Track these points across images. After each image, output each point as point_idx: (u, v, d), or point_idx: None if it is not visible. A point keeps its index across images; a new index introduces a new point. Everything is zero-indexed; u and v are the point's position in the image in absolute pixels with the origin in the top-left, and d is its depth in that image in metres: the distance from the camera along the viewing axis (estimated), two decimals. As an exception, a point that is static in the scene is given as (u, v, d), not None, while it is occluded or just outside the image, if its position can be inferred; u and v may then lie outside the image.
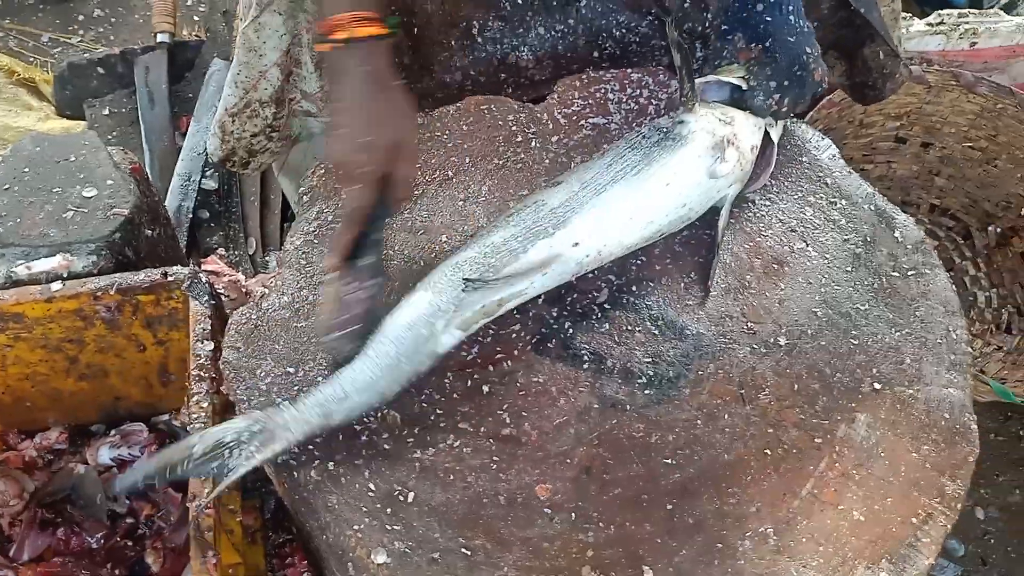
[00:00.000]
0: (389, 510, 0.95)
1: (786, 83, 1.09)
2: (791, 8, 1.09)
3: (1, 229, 1.19)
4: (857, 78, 1.38)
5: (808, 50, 1.09)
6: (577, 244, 1.04)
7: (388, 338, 0.97)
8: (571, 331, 1.09)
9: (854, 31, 1.31)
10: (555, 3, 1.33)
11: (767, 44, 1.09)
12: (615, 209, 1.05)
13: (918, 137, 1.83)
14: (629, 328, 1.10)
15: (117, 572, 1.23)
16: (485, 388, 1.05)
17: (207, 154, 1.36)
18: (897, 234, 1.20)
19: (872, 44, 1.32)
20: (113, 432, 1.38)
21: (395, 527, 0.94)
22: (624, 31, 1.36)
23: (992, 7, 1.88)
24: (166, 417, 1.41)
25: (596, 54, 1.37)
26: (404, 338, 0.97)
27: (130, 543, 1.28)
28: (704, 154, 1.08)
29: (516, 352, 1.07)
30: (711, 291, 1.12)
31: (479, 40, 1.34)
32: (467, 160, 1.24)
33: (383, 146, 0.99)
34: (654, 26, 1.35)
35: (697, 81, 1.12)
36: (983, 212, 1.84)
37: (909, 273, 1.16)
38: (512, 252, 1.02)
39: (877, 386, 1.07)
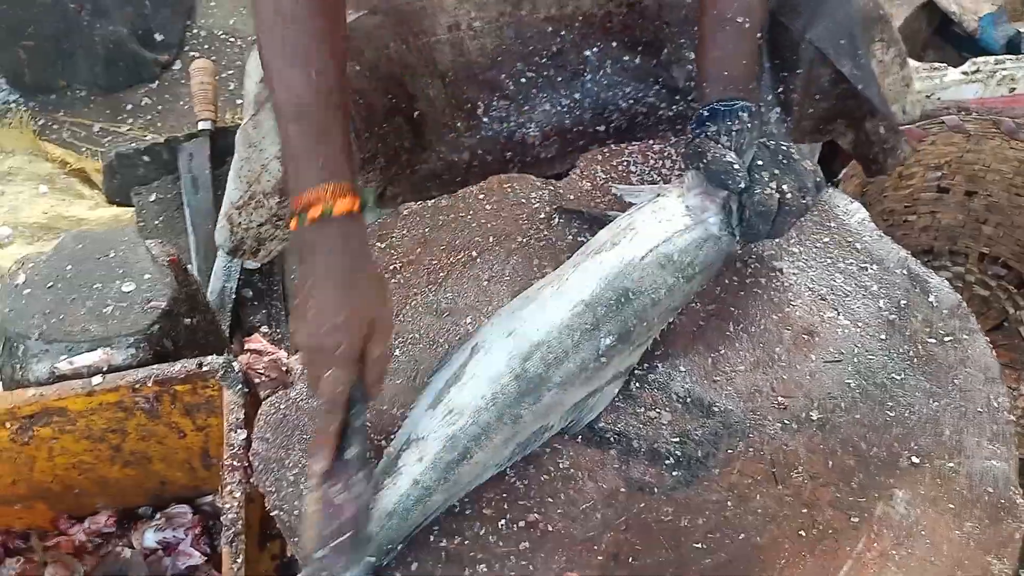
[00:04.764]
0: (416, 602, 0.95)
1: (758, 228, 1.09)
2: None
3: (45, 326, 1.24)
4: (861, 150, 1.36)
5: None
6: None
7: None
8: (596, 412, 1.08)
9: (858, 103, 1.29)
10: (560, 79, 1.35)
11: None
12: None
13: (961, 186, 1.78)
14: (655, 407, 1.09)
15: (162, 657, 1.25)
16: (510, 472, 1.04)
17: (219, 246, 1.39)
18: (932, 299, 1.17)
19: (873, 119, 1.31)
20: (158, 516, 1.41)
21: (421, 620, 0.93)
22: (631, 102, 1.37)
23: (1029, 52, 1.84)
24: (210, 498, 1.44)
25: (603, 127, 1.38)
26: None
27: (175, 627, 1.29)
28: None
29: (540, 435, 1.07)
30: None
31: (485, 120, 1.36)
32: (491, 239, 1.25)
33: (359, 327, 0.92)
34: (661, 96, 1.36)
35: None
36: (1035, 259, 1.78)
37: (946, 339, 1.13)
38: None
39: (916, 460, 1.03)
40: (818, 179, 1.09)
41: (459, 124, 1.37)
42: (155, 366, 1.22)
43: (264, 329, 1.84)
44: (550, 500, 1.02)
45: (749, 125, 1.08)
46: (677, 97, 1.35)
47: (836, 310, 1.16)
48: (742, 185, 1.05)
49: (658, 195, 1.13)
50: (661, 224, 1.09)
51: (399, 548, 0.97)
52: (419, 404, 1.03)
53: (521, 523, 1.00)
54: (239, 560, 1.07)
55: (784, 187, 1.06)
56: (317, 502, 0.89)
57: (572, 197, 1.29)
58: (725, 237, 1.09)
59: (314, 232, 0.93)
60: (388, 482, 0.97)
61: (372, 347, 0.93)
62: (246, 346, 1.71)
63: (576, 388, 1.04)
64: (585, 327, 1.03)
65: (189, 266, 1.63)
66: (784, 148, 1.08)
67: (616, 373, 1.07)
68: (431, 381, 1.05)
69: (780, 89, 1.30)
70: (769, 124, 1.19)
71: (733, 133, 1.07)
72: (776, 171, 1.06)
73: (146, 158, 2.05)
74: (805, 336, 1.14)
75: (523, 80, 1.35)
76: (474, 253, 1.25)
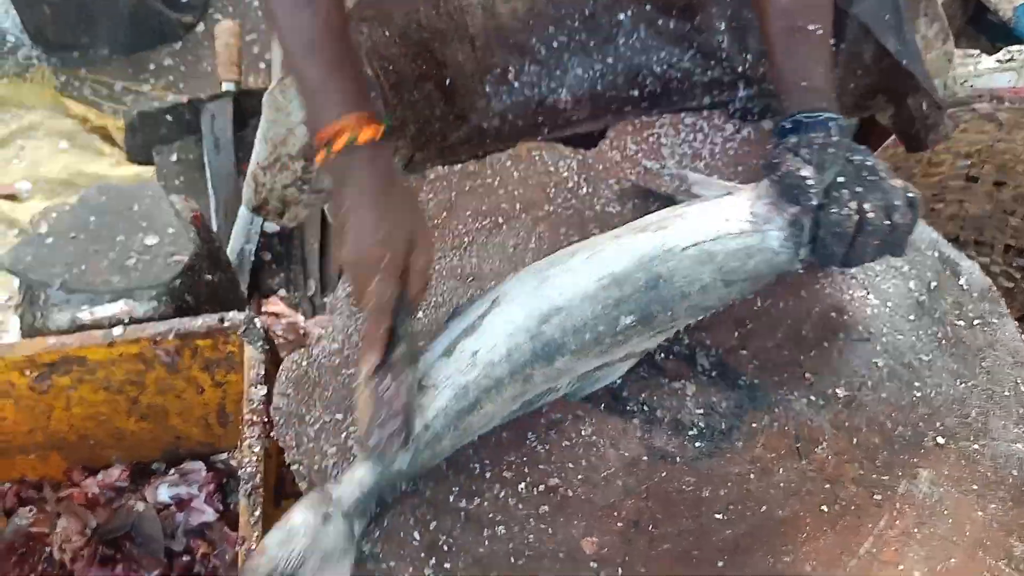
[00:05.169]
0: (433, 560, 0.95)
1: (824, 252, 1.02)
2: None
3: (67, 276, 1.24)
4: (901, 126, 1.34)
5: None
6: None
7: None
8: (620, 381, 1.07)
9: (900, 78, 1.27)
10: (592, 43, 1.33)
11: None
12: None
13: (990, 176, 1.76)
14: (680, 378, 1.08)
15: (173, 610, 1.25)
16: (531, 437, 1.03)
17: (245, 202, 1.39)
18: (962, 281, 1.15)
19: (916, 95, 1.29)
20: (172, 471, 1.41)
21: (438, 578, 0.93)
22: (665, 67, 1.34)
23: (1065, 41, 1.82)
24: (224, 456, 1.44)
25: (636, 92, 1.36)
26: None
27: (186, 581, 1.30)
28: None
29: (563, 402, 1.06)
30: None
31: (516, 85, 1.34)
32: (518, 206, 1.24)
33: (400, 240, 0.97)
34: (696, 61, 1.34)
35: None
36: (1061, 253, 1.77)
37: (975, 322, 1.12)
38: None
39: (941, 440, 1.03)
40: (909, 195, 1.00)
41: (489, 89, 1.36)
42: (176, 319, 1.22)
43: (282, 292, 1.84)
44: (571, 466, 1.02)
45: (836, 139, 1.02)
46: (712, 62, 1.33)
47: (866, 289, 1.14)
48: (814, 203, 0.98)
49: (728, 193, 1.09)
50: (717, 222, 1.04)
51: (402, 488, 0.99)
52: (434, 349, 1.02)
53: (541, 487, 1.00)
54: (256, 513, 1.07)
55: (866, 206, 0.97)
56: (369, 397, 0.94)
57: (601, 167, 1.28)
58: (784, 254, 1.03)
59: (343, 161, 0.98)
60: None
61: (415, 258, 0.98)
62: (264, 308, 1.71)
63: (588, 359, 1.03)
64: (608, 301, 1.01)
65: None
66: (870, 164, 1.01)
67: (630, 353, 1.05)
68: (447, 328, 1.04)
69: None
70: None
71: (816, 147, 1.01)
72: (859, 188, 0.98)
73: (168, 117, 2.05)
74: (833, 314, 1.12)
75: (555, 44, 1.33)
76: (500, 220, 1.24)
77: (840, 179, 0.99)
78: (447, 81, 1.34)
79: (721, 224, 1.04)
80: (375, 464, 0.95)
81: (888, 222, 0.98)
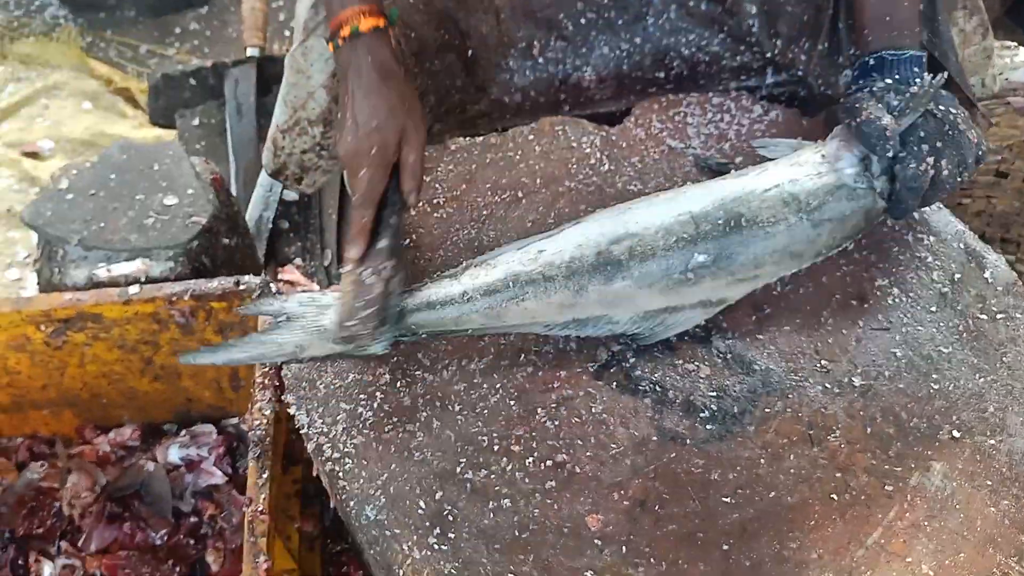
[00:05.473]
0: (437, 529, 0.94)
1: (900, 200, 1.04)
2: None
3: (86, 232, 1.24)
4: None
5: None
6: None
7: None
8: (633, 360, 1.07)
9: (931, 70, 1.24)
10: (621, 22, 1.31)
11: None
12: None
13: (1020, 172, 1.73)
14: (694, 360, 1.07)
15: (178, 569, 1.26)
16: (541, 412, 1.03)
17: (264, 166, 1.39)
18: (987, 275, 1.14)
19: (947, 88, 1.26)
20: (183, 433, 1.41)
21: (442, 547, 0.93)
22: (693, 50, 1.33)
23: (1104, 37, 1.78)
24: (235, 421, 1.44)
25: (662, 74, 1.35)
26: None
27: (192, 541, 1.30)
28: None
29: (575, 379, 1.06)
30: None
31: (540, 60, 1.33)
32: (538, 181, 1.23)
33: (390, 132, 1.01)
34: (725, 45, 1.32)
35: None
36: (1088, 253, 1.74)
37: (998, 316, 1.10)
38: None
39: (956, 434, 1.01)
40: (980, 152, 1.03)
41: (512, 64, 1.34)
42: (192, 281, 1.22)
43: (298, 261, 1.84)
44: (580, 443, 1.01)
45: (924, 89, 1.02)
46: (742, 47, 1.31)
47: (888, 278, 1.13)
48: (890, 154, 1.01)
49: (797, 149, 1.11)
50: (792, 167, 1.08)
51: (422, 336, 1.05)
52: (513, 243, 1.07)
53: (549, 462, 0.99)
54: (265, 476, 1.07)
55: (942, 162, 1.00)
56: (350, 283, 1.00)
57: (624, 144, 1.27)
58: (861, 190, 1.05)
59: (347, 50, 1.05)
60: (445, 283, 1.03)
61: (406, 153, 1.03)
62: (280, 276, 1.70)
63: (651, 292, 1.03)
64: (683, 236, 1.03)
65: (229, 190, 1.62)
66: (952, 117, 1.02)
67: (704, 300, 1.05)
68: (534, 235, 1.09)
69: (852, 51, 1.26)
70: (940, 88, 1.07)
71: (906, 95, 1.02)
72: (939, 144, 1.00)
73: (192, 81, 2.05)
74: (853, 302, 1.11)
75: (583, 21, 1.31)
76: (520, 194, 1.23)
77: (921, 133, 1.01)
78: (469, 52, 1.33)
79: (797, 169, 1.07)
80: (345, 347, 1.01)
81: (959, 179, 1.02)
